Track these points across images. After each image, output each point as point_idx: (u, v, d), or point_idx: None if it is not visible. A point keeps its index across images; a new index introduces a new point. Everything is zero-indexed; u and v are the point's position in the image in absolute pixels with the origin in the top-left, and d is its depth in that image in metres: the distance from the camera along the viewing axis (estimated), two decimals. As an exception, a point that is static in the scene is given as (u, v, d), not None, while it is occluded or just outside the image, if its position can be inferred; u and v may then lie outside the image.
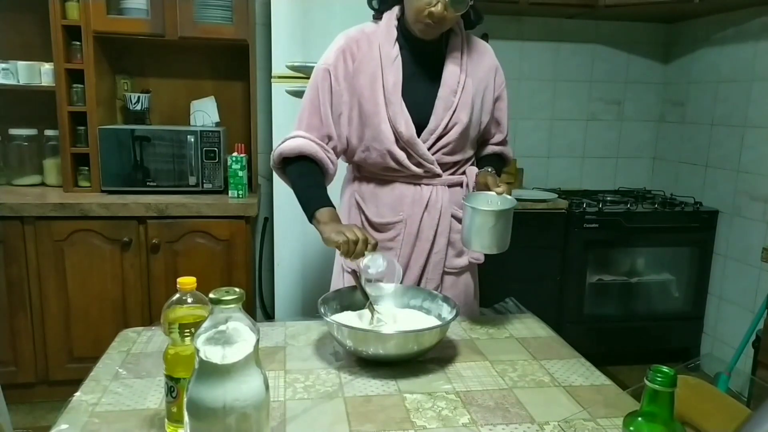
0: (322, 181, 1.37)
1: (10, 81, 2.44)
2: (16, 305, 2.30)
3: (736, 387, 2.42)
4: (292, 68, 2.33)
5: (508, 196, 1.27)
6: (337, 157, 1.41)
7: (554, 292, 2.84)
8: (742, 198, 2.75)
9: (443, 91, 1.37)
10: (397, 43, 1.37)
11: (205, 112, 2.71)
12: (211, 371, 0.67)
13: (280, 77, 2.34)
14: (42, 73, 2.47)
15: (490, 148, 1.53)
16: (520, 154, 3.26)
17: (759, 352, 2.19)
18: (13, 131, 2.59)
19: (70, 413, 0.89)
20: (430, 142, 1.37)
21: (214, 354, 0.67)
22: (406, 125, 1.34)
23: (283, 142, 1.38)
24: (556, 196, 2.90)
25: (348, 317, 1.16)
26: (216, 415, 0.66)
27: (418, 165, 1.37)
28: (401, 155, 1.36)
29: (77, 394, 0.95)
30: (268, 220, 2.94)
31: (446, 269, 1.44)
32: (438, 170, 1.39)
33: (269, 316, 2.97)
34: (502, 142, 1.54)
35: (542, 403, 0.96)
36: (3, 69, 2.43)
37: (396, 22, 1.38)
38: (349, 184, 1.51)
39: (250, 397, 0.68)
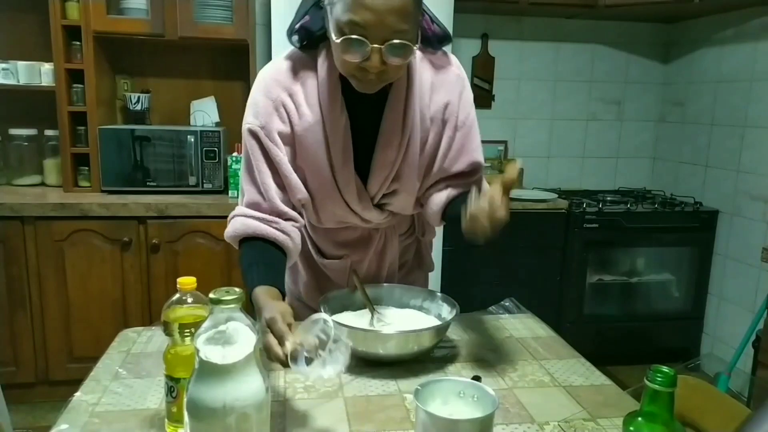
0: (269, 256, 1.07)
1: (10, 81, 2.44)
2: (16, 305, 2.30)
3: (736, 387, 2.42)
4: (292, 68, 2.33)
5: (488, 388, 0.77)
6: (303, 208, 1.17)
7: (554, 292, 2.84)
8: (742, 198, 2.75)
9: (380, 158, 1.12)
10: (342, 98, 1.08)
11: (205, 112, 2.71)
12: (211, 371, 0.67)
13: (280, 77, 2.34)
14: (42, 73, 2.47)
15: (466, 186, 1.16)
16: (520, 154, 3.26)
17: (759, 352, 2.20)
18: (13, 131, 2.59)
19: (70, 413, 0.89)
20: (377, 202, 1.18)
21: (214, 354, 0.67)
22: (360, 199, 1.15)
23: (230, 219, 1.13)
24: (556, 196, 2.90)
25: (348, 317, 1.16)
26: (216, 415, 0.66)
27: (368, 222, 1.22)
28: (351, 219, 1.20)
29: (77, 394, 0.95)
30: (268, 220, 2.93)
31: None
32: (388, 223, 1.24)
33: (269, 316, 2.97)
34: (477, 171, 1.21)
35: (542, 403, 0.96)
36: (3, 69, 2.43)
37: (337, 73, 1.07)
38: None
39: (250, 397, 0.68)
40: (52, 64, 2.41)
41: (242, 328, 0.69)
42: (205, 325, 0.69)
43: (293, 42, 1.13)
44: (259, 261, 1.06)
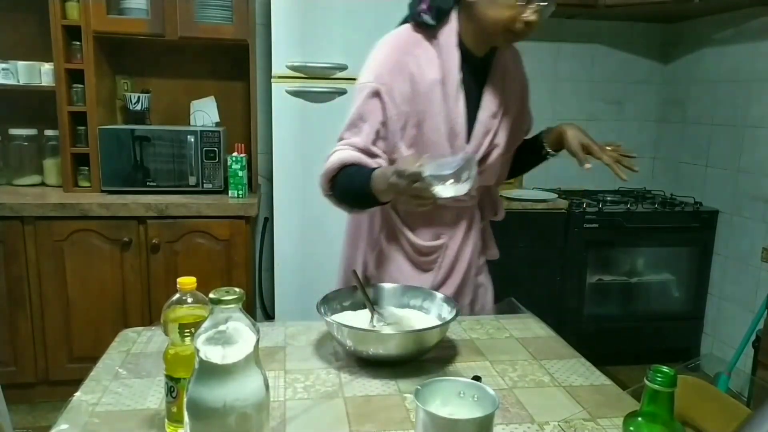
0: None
1: (10, 81, 2.45)
2: (16, 305, 2.30)
3: (736, 387, 2.42)
4: (292, 68, 2.33)
5: (488, 388, 0.77)
6: None
7: (554, 292, 2.84)
8: (742, 198, 2.75)
9: (483, 114, 1.27)
10: (460, 66, 1.22)
11: (205, 112, 2.71)
12: (211, 371, 0.67)
13: (280, 77, 2.34)
14: (42, 73, 2.47)
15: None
16: (520, 154, 3.26)
17: (759, 352, 2.20)
18: (13, 131, 2.59)
19: (70, 413, 0.89)
20: None
21: (214, 354, 0.67)
22: None
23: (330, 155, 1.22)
24: (556, 196, 2.90)
25: (348, 317, 1.16)
26: (216, 415, 0.66)
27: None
28: None
29: (77, 394, 0.95)
30: (268, 220, 2.94)
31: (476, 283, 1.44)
32: (473, 201, 1.35)
33: (269, 316, 2.97)
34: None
35: (542, 403, 0.96)
36: (3, 69, 2.43)
37: (456, 40, 1.22)
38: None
39: (250, 397, 0.68)
40: (52, 64, 2.41)
41: (242, 328, 0.69)
42: (205, 325, 0.69)
43: (426, 20, 1.22)
44: (362, 169, 1.17)
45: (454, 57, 1.22)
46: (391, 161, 1.23)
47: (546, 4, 1.12)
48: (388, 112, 1.20)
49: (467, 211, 1.36)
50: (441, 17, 1.22)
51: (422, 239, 1.33)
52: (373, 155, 1.21)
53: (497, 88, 1.28)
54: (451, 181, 0.95)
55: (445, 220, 1.33)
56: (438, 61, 1.22)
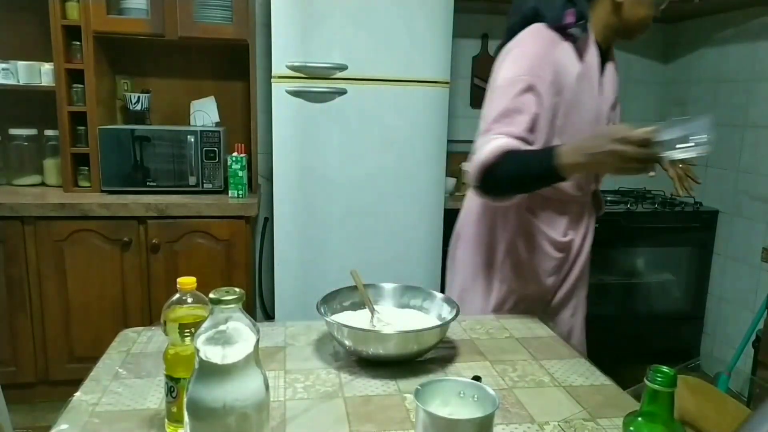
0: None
1: (10, 81, 2.44)
2: (16, 305, 2.30)
3: (736, 387, 2.42)
4: (292, 68, 2.33)
5: (488, 388, 0.76)
6: None
7: (554, 292, 2.84)
8: (742, 198, 2.75)
9: (605, 107, 1.35)
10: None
11: (205, 112, 2.71)
12: (211, 371, 0.67)
13: (280, 77, 2.34)
14: (42, 73, 2.47)
15: None
16: (520, 154, 3.25)
17: (759, 352, 2.20)
18: (13, 131, 2.59)
19: (70, 413, 0.89)
20: None
21: (214, 354, 0.67)
22: None
23: (476, 159, 1.20)
24: (556, 196, 2.90)
25: (348, 317, 1.16)
26: (216, 415, 0.66)
27: (595, 181, 1.43)
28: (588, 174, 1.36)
29: (77, 394, 0.95)
30: (268, 220, 2.94)
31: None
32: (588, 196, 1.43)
33: (269, 316, 2.97)
34: None
35: (542, 403, 0.96)
36: (3, 69, 2.43)
37: (594, 35, 1.30)
38: (517, 204, 1.36)
39: (250, 397, 0.68)
40: (52, 64, 2.41)
41: (242, 328, 0.69)
42: (205, 325, 0.69)
43: (576, 33, 1.26)
44: (532, 151, 1.19)
45: (594, 51, 1.30)
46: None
47: None
48: (544, 104, 1.22)
49: (587, 205, 1.44)
50: (584, 24, 1.28)
51: (559, 235, 1.39)
52: (529, 144, 1.21)
53: (614, 79, 1.37)
54: (685, 145, 0.97)
55: (572, 214, 1.39)
56: (576, 54, 1.28)
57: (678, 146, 0.97)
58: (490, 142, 1.19)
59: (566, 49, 1.27)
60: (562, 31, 1.27)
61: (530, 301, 1.42)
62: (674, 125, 1.00)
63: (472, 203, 1.46)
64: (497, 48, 1.40)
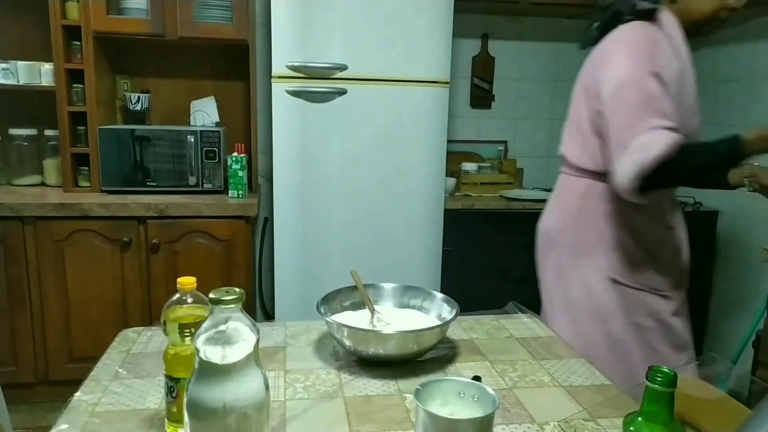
0: None
1: (10, 81, 2.44)
2: (16, 305, 2.30)
3: (736, 387, 2.41)
4: (292, 68, 2.33)
5: (488, 388, 0.75)
6: None
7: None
8: (742, 198, 2.75)
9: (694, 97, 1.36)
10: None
11: (205, 112, 2.71)
12: (211, 371, 0.67)
13: (280, 77, 2.34)
14: (42, 73, 2.47)
15: None
16: (520, 154, 3.26)
17: (759, 352, 2.19)
18: (13, 131, 2.59)
19: (70, 413, 0.89)
20: None
21: (214, 354, 0.67)
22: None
23: (640, 157, 1.19)
24: (556, 196, 2.89)
25: (348, 317, 1.16)
26: (216, 415, 0.66)
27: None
28: None
29: (77, 394, 0.95)
30: (268, 220, 2.94)
31: None
32: None
33: (269, 316, 2.97)
34: None
35: (542, 403, 0.96)
36: (3, 69, 2.43)
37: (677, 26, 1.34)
38: (608, 208, 1.37)
39: (250, 397, 0.68)
40: (52, 64, 2.41)
41: (242, 328, 0.69)
42: (205, 325, 0.69)
43: (645, 6, 1.30)
44: (706, 143, 1.26)
45: (684, 45, 1.32)
46: None
47: None
48: (672, 90, 1.25)
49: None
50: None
51: (662, 256, 1.40)
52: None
53: (693, 73, 1.36)
54: None
55: (675, 212, 1.40)
56: (671, 48, 1.29)
57: None
58: (657, 142, 1.17)
59: (663, 40, 1.29)
60: (646, 17, 1.30)
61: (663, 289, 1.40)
62: None
63: (584, 204, 1.42)
64: (582, 46, 1.48)
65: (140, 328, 1.24)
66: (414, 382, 1.00)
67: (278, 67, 2.34)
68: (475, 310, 1.44)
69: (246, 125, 2.76)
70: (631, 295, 1.37)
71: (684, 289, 1.45)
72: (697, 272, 2.90)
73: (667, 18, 1.33)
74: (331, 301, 1.19)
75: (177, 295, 0.83)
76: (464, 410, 0.76)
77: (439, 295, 1.22)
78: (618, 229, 1.37)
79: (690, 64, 1.34)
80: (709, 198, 2.92)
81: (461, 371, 1.07)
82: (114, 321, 2.34)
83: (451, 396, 0.78)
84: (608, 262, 1.39)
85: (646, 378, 0.65)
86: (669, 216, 1.42)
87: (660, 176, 1.18)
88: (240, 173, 2.47)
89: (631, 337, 1.37)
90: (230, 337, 0.68)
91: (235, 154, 2.47)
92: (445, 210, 2.55)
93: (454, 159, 2.89)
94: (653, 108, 1.20)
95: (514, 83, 3.19)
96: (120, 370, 1.04)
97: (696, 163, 1.21)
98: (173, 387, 0.81)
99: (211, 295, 0.69)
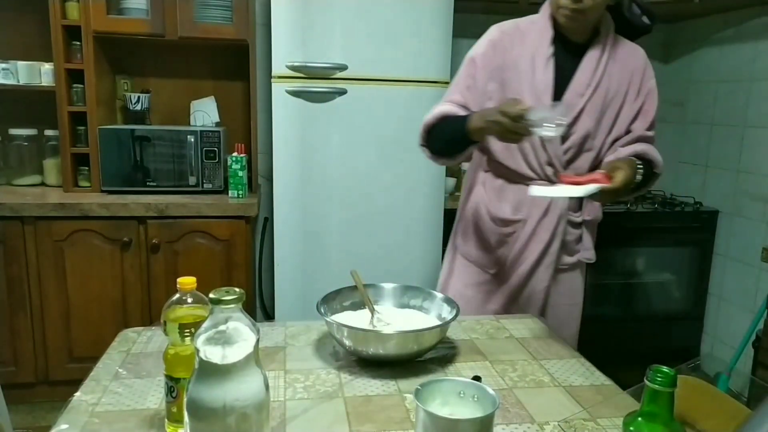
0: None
1: (10, 81, 2.44)
2: (16, 305, 2.30)
3: (736, 387, 2.41)
4: (292, 68, 2.33)
5: (488, 388, 0.76)
6: None
7: (554, 292, 2.84)
8: (742, 198, 2.75)
9: (569, 95, 1.36)
10: (552, 43, 1.37)
11: (205, 112, 2.71)
12: (211, 371, 0.67)
13: (280, 77, 2.34)
14: (42, 73, 2.47)
15: (626, 150, 1.39)
16: (520, 154, 3.25)
17: (759, 352, 2.20)
18: (13, 131, 2.59)
19: (70, 413, 0.89)
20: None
21: (214, 354, 0.67)
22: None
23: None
24: (556, 196, 2.90)
25: (348, 317, 1.16)
26: (216, 415, 0.66)
27: (549, 164, 1.39)
28: (537, 152, 1.38)
29: (77, 394, 0.95)
30: (268, 220, 2.93)
31: (558, 266, 1.48)
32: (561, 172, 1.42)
33: (269, 316, 2.97)
34: (641, 139, 1.41)
35: (542, 403, 0.96)
36: (3, 69, 2.43)
37: (551, 21, 1.38)
38: (476, 173, 1.53)
39: (250, 397, 0.68)
40: (52, 64, 2.41)
41: (242, 328, 0.69)
42: (205, 325, 0.69)
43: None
44: (458, 116, 1.36)
45: (545, 36, 1.37)
46: None
47: None
48: (477, 74, 1.40)
49: (546, 201, 1.44)
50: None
51: (502, 212, 1.45)
52: (467, 109, 1.39)
53: (589, 72, 1.37)
54: (549, 125, 1.13)
55: (524, 197, 1.41)
56: (530, 39, 1.38)
57: (544, 125, 1.13)
58: (436, 108, 1.42)
59: (521, 34, 1.40)
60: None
61: (480, 267, 1.53)
62: (544, 108, 1.21)
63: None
64: None
65: (140, 328, 1.24)
66: (414, 382, 1.00)
67: (278, 67, 2.34)
68: (475, 310, 1.44)
69: (246, 125, 2.76)
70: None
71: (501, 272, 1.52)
72: (697, 272, 2.92)
73: (544, 13, 1.40)
74: (331, 301, 1.19)
75: (177, 295, 0.83)
76: (464, 410, 0.76)
77: (439, 295, 1.22)
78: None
79: (545, 53, 1.37)
80: (709, 198, 2.92)
81: (461, 371, 1.07)
82: (114, 321, 2.34)
83: (451, 396, 0.78)
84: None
85: (646, 378, 0.65)
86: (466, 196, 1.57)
87: (426, 135, 1.45)
88: (240, 173, 2.47)
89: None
90: (230, 337, 0.68)
91: (235, 154, 2.47)
92: (445, 210, 2.55)
93: (454, 159, 2.88)
94: (455, 85, 1.44)
95: (514, 83, 3.18)
96: (120, 370, 1.04)
97: (444, 132, 1.40)
98: (173, 387, 0.81)
99: (211, 295, 0.69)
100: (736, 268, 2.79)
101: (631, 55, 1.41)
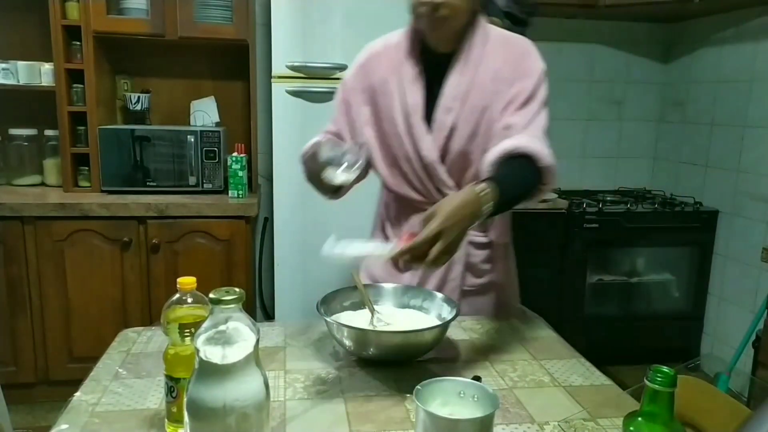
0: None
1: (10, 81, 2.44)
2: (16, 305, 2.30)
3: (736, 387, 2.41)
4: (292, 68, 2.33)
5: (488, 388, 0.77)
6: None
7: (554, 292, 2.84)
8: (742, 198, 2.75)
9: (438, 112, 1.26)
10: (419, 59, 1.29)
11: (205, 112, 2.71)
12: (211, 371, 0.67)
13: (280, 77, 2.34)
14: (42, 73, 2.47)
15: (497, 149, 1.16)
16: (520, 154, 3.26)
17: (759, 352, 2.20)
18: (13, 131, 2.59)
19: (70, 413, 0.89)
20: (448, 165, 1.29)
21: (214, 354, 0.67)
22: (428, 149, 1.27)
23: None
24: (556, 196, 2.90)
25: (348, 317, 1.16)
26: (216, 415, 0.66)
27: (438, 190, 1.30)
28: (421, 177, 1.30)
29: (77, 394, 0.95)
30: (268, 220, 2.94)
31: (465, 288, 1.38)
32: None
33: (269, 316, 2.97)
34: (513, 129, 1.20)
35: (542, 403, 0.96)
36: (3, 69, 2.43)
37: (417, 35, 1.29)
38: (381, 195, 1.49)
39: (250, 397, 0.68)
40: (52, 64, 2.41)
41: (242, 328, 0.69)
42: (205, 325, 0.69)
43: None
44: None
45: (412, 53, 1.29)
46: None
47: None
48: (350, 99, 1.35)
49: None
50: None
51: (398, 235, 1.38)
52: (341, 137, 1.36)
53: (453, 86, 1.25)
54: (343, 167, 1.01)
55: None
56: (397, 57, 1.30)
57: (339, 168, 1.01)
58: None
59: (387, 52, 1.32)
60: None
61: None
62: (334, 148, 1.09)
63: None
64: None
65: (140, 328, 1.24)
66: (414, 382, 1.00)
67: (278, 67, 2.34)
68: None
69: (246, 125, 2.76)
70: None
71: None
72: (697, 272, 2.92)
73: (408, 29, 1.32)
74: (331, 301, 1.19)
75: (177, 295, 0.83)
76: (464, 410, 0.76)
77: (439, 295, 1.22)
78: None
79: (410, 69, 1.27)
80: (709, 198, 2.92)
81: (461, 371, 1.07)
82: (114, 321, 2.34)
83: (451, 396, 0.78)
84: None
85: (646, 378, 0.65)
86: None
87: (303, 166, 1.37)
88: (240, 173, 2.47)
89: None
90: (230, 337, 0.68)
91: (235, 154, 2.47)
92: (445, 210, 2.55)
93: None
94: (334, 113, 1.40)
95: (514, 83, 3.19)
96: (120, 370, 1.04)
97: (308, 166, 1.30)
98: (173, 387, 0.81)
99: (211, 295, 0.69)
100: (736, 268, 2.79)
101: (508, 55, 1.26)
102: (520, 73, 1.24)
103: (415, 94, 1.27)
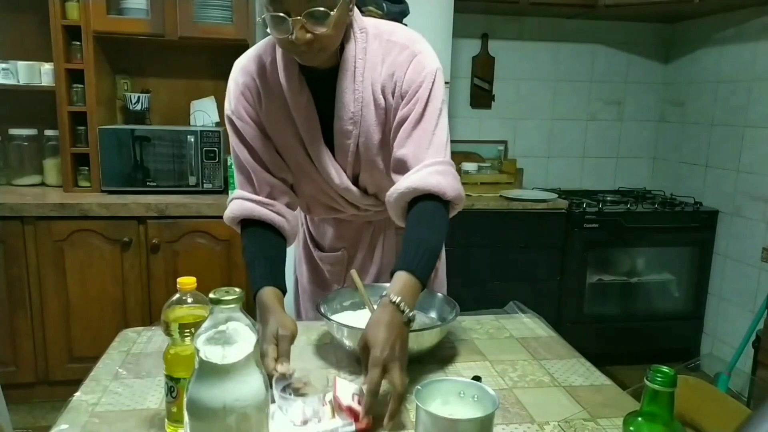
0: (268, 246, 1.21)
1: (10, 81, 2.44)
2: (16, 305, 2.30)
3: (736, 387, 2.41)
4: (292, 68, 2.33)
5: (488, 388, 0.77)
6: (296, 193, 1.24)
7: (554, 292, 2.84)
8: (742, 198, 2.75)
9: (338, 131, 1.14)
10: (301, 75, 1.11)
11: (205, 112, 2.71)
12: (211, 371, 0.67)
13: (280, 77, 2.34)
14: (42, 73, 2.47)
15: (397, 198, 1.10)
16: (520, 155, 3.26)
17: (759, 352, 2.19)
18: (13, 131, 2.59)
19: (70, 413, 0.89)
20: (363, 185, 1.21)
21: (214, 354, 0.67)
22: (338, 174, 1.18)
23: (229, 202, 1.23)
24: (556, 196, 2.90)
25: (348, 317, 1.16)
26: (216, 415, 0.66)
27: (356, 208, 1.26)
28: (337, 204, 1.25)
29: (77, 394, 0.95)
30: (268, 220, 2.93)
31: None
32: (378, 209, 1.24)
33: (269, 316, 2.97)
34: (407, 162, 1.10)
35: (542, 403, 0.96)
36: (3, 69, 2.43)
37: (285, 58, 1.12)
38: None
39: (250, 397, 0.68)
40: (52, 64, 2.41)
41: (242, 328, 0.69)
42: (205, 325, 0.69)
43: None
44: (260, 255, 1.18)
45: (289, 73, 1.12)
46: (281, 179, 1.20)
47: (302, 17, 0.95)
48: (246, 133, 1.16)
49: (370, 226, 1.35)
50: None
51: (324, 250, 1.39)
52: (270, 189, 1.19)
53: (347, 100, 1.12)
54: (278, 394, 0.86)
55: (346, 232, 1.35)
56: (276, 83, 1.14)
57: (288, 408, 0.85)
58: (231, 202, 1.25)
59: (272, 76, 1.15)
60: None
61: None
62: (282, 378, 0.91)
63: None
64: None
65: (140, 328, 1.24)
66: (414, 383, 1.00)
67: (278, 67, 2.33)
68: (475, 310, 1.44)
69: (246, 125, 2.75)
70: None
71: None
72: (697, 272, 2.92)
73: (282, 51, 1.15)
74: (331, 301, 1.19)
75: (177, 295, 0.83)
76: (464, 410, 0.76)
77: (439, 295, 1.22)
78: None
79: (296, 89, 1.12)
80: (709, 198, 2.92)
81: (461, 371, 1.07)
82: (114, 321, 2.34)
83: (451, 396, 0.78)
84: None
85: (646, 378, 0.65)
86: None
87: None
88: (240, 173, 2.47)
89: None
90: (230, 337, 0.68)
91: (235, 154, 2.47)
92: (445, 210, 2.55)
93: (454, 159, 2.87)
94: (235, 159, 1.23)
95: (514, 83, 3.19)
96: (120, 370, 1.04)
97: (246, 252, 1.23)
98: (173, 387, 0.81)
99: (211, 295, 0.69)
100: (736, 268, 2.79)
101: (395, 65, 1.11)
102: (409, 82, 1.10)
103: (313, 126, 1.15)
